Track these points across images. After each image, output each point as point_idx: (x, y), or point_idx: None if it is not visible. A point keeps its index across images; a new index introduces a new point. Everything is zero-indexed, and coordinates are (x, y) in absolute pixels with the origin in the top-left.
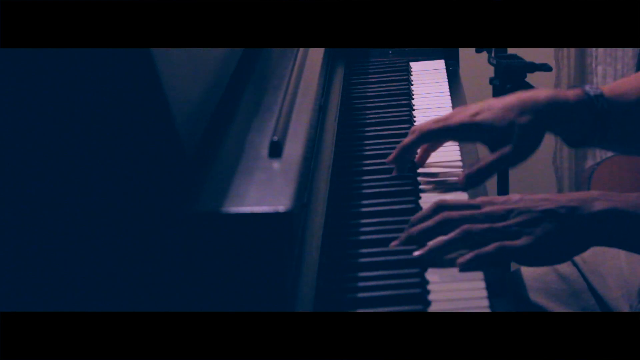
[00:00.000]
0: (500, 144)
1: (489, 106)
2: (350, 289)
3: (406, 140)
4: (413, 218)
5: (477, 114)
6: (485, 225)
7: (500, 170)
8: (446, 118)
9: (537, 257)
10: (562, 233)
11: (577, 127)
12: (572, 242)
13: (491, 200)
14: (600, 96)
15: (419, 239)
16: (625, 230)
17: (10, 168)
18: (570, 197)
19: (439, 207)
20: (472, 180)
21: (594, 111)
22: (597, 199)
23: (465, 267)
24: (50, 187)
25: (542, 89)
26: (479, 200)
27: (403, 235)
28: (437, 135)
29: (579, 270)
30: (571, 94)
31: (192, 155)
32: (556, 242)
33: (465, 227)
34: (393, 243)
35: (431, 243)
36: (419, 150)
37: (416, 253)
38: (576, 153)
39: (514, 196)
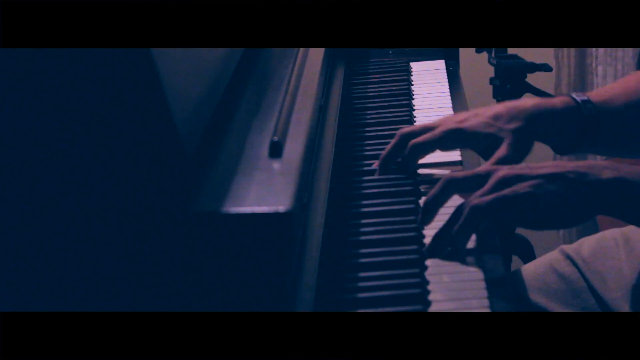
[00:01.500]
0: (490, 151)
1: (475, 114)
2: (350, 289)
3: (390, 147)
4: (427, 198)
5: (464, 120)
6: (493, 195)
7: None
8: (433, 128)
9: (542, 219)
10: (569, 197)
11: (566, 134)
12: (577, 207)
13: (496, 167)
14: (587, 102)
15: (433, 205)
16: (631, 201)
17: (10, 168)
18: (578, 164)
19: (449, 183)
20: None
21: (582, 117)
22: (606, 167)
23: (464, 226)
24: (50, 187)
25: (528, 98)
26: (483, 168)
27: (421, 215)
28: (425, 147)
29: (579, 270)
30: (558, 101)
31: (192, 155)
32: (562, 205)
33: (472, 204)
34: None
35: (453, 240)
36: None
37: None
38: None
39: (518, 165)
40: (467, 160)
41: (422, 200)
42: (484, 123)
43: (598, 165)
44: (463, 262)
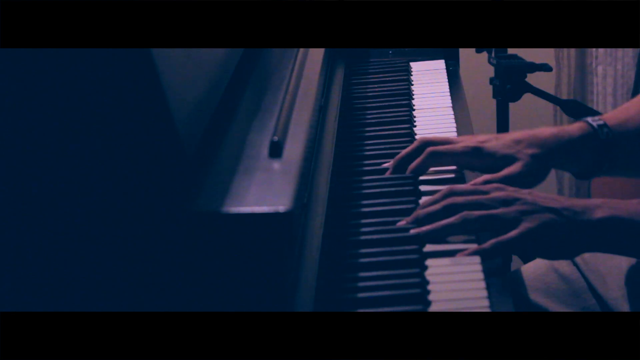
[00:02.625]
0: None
1: (496, 137)
2: (350, 289)
3: (408, 150)
4: (423, 202)
5: (485, 141)
6: (484, 212)
7: None
8: (453, 142)
9: (531, 248)
10: (560, 232)
11: (584, 159)
12: (568, 243)
13: (500, 186)
14: (603, 126)
15: (425, 221)
16: (625, 237)
17: (10, 168)
18: (575, 202)
19: (449, 192)
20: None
21: (599, 142)
22: (600, 206)
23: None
24: (50, 187)
25: (545, 127)
26: (489, 186)
27: (411, 216)
28: (442, 157)
29: (579, 270)
30: (575, 128)
31: (192, 155)
32: (552, 239)
33: (465, 213)
34: (400, 222)
35: (430, 226)
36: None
37: (413, 231)
38: None
39: (524, 190)
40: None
41: (422, 200)
42: (504, 145)
43: (593, 204)
44: (463, 262)
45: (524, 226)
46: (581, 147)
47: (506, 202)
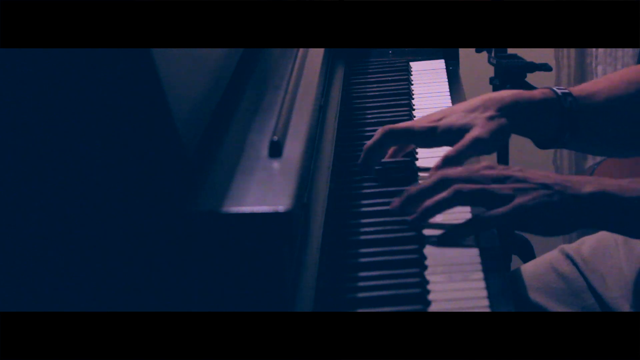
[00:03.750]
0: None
1: (452, 110)
2: (350, 289)
3: (370, 141)
4: (411, 189)
5: (440, 119)
6: (477, 186)
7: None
8: (412, 122)
9: (524, 223)
10: (553, 208)
11: (545, 126)
12: (561, 219)
13: (490, 165)
14: (568, 95)
15: (417, 199)
16: (615, 214)
17: (10, 168)
18: (566, 178)
19: (441, 180)
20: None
21: (562, 110)
22: (590, 181)
23: (453, 235)
24: (50, 186)
25: (507, 90)
26: (478, 166)
27: (402, 196)
28: (399, 136)
29: (578, 269)
30: (538, 92)
31: (192, 155)
32: (545, 214)
33: (457, 186)
34: (393, 203)
35: (424, 204)
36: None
37: (411, 217)
38: (576, 153)
39: (515, 167)
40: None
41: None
42: (458, 116)
43: (583, 180)
44: (463, 262)
45: (517, 201)
46: (541, 111)
47: (498, 179)
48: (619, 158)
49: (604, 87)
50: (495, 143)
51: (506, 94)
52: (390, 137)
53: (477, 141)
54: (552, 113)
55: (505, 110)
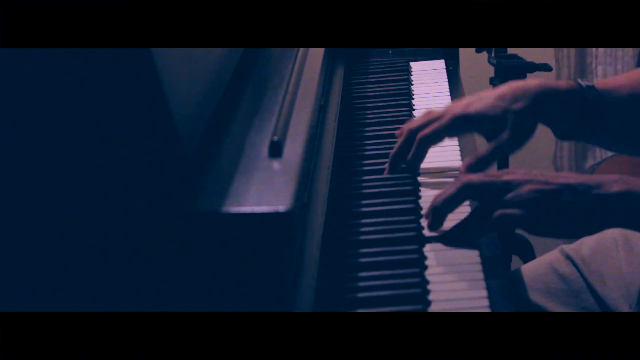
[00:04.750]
0: (496, 133)
1: (480, 97)
2: (350, 289)
3: (399, 144)
4: (436, 202)
5: (469, 105)
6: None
7: (499, 158)
8: (439, 116)
9: (550, 226)
10: (577, 209)
11: (568, 117)
12: (585, 219)
13: (511, 171)
14: (591, 88)
15: (443, 210)
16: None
17: (10, 168)
18: (589, 177)
19: (464, 186)
20: (473, 170)
21: (585, 101)
22: (616, 181)
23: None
24: (50, 186)
25: (533, 78)
26: (499, 172)
27: (428, 209)
28: (433, 138)
29: (578, 270)
30: (563, 83)
31: (192, 155)
32: (570, 215)
33: (466, 180)
34: (424, 221)
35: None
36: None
37: (425, 222)
38: (576, 153)
39: (535, 171)
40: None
41: (422, 200)
42: (490, 105)
43: (608, 179)
44: (463, 262)
45: (538, 207)
46: (566, 101)
47: (520, 184)
48: (635, 156)
49: (626, 83)
50: (523, 140)
51: (534, 83)
52: (425, 143)
53: (508, 142)
54: (576, 104)
55: (533, 100)
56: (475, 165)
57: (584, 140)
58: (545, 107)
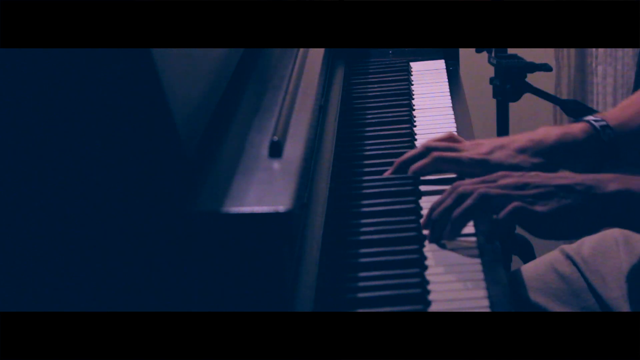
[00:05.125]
0: None
1: (502, 145)
2: (350, 289)
3: (414, 152)
4: (434, 203)
5: (490, 152)
6: (501, 191)
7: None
8: (459, 151)
9: (549, 229)
10: (576, 209)
11: (587, 160)
12: (585, 219)
13: (507, 174)
14: (606, 127)
15: (442, 220)
16: (638, 212)
17: (10, 168)
18: (586, 177)
19: (457, 185)
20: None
21: (602, 143)
22: (613, 179)
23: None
24: (50, 186)
25: (550, 128)
26: (495, 175)
27: (425, 219)
28: (447, 163)
29: (578, 270)
30: (578, 130)
31: (192, 155)
32: (570, 217)
33: (481, 190)
34: (425, 231)
35: (453, 216)
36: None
37: (445, 233)
38: None
39: (531, 172)
40: None
41: (422, 201)
42: (509, 155)
43: (605, 178)
44: (463, 262)
45: (540, 209)
46: (585, 149)
47: (517, 187)
48: None
49: (636, 111)
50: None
51: (552, 137)
52: (438, 164)
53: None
54: (594, 148)
55: (552, 154)
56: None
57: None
58: (564, 157)
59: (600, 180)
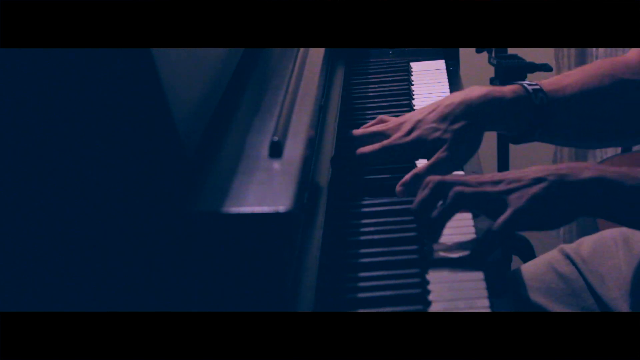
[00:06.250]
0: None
1: (419, 119)
2: (350, 289)
3: (367, 148)
4: (414, 203)
5: (410, 131)
6: (477, 188)
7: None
8: (387, 136)
9: (527, 220)
10: (551, 199)
11: (516, 123)
12: (560, 208)
13: (481, 176)
14: (539, 91)
15: (421, 211)
16: (613, 200)
17: (10, 168)
18: (559, 166)
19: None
20: (408, 189)
21: (533, 106)
22: (587, 167)
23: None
24: (50, 186)
25: (476, 87)
26: (469, 177)
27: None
28: (370, 160)
29: (578, 270)
30: (508, 90)
31: (192, 155)
32: (545, 207)
33: (457, 188)
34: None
35: (432, 217)
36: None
37: (426, 237)
38: (576, 153)
39: (506, 173)
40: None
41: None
42: (429, 129)
43: (579, 166)
44: (463, 262)
45: (512, 206)
46: (513, 109)
47: (493, 182)
48: (587, 149)
49: (577, 80)
50: (465, 155)
51: (475, 95)
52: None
53: (444, 162)
54: (523, 110)
55: (475, 114)
56: (411, 183)
57: (536, 140)
58: (490, 117)
59: (574, 168)
